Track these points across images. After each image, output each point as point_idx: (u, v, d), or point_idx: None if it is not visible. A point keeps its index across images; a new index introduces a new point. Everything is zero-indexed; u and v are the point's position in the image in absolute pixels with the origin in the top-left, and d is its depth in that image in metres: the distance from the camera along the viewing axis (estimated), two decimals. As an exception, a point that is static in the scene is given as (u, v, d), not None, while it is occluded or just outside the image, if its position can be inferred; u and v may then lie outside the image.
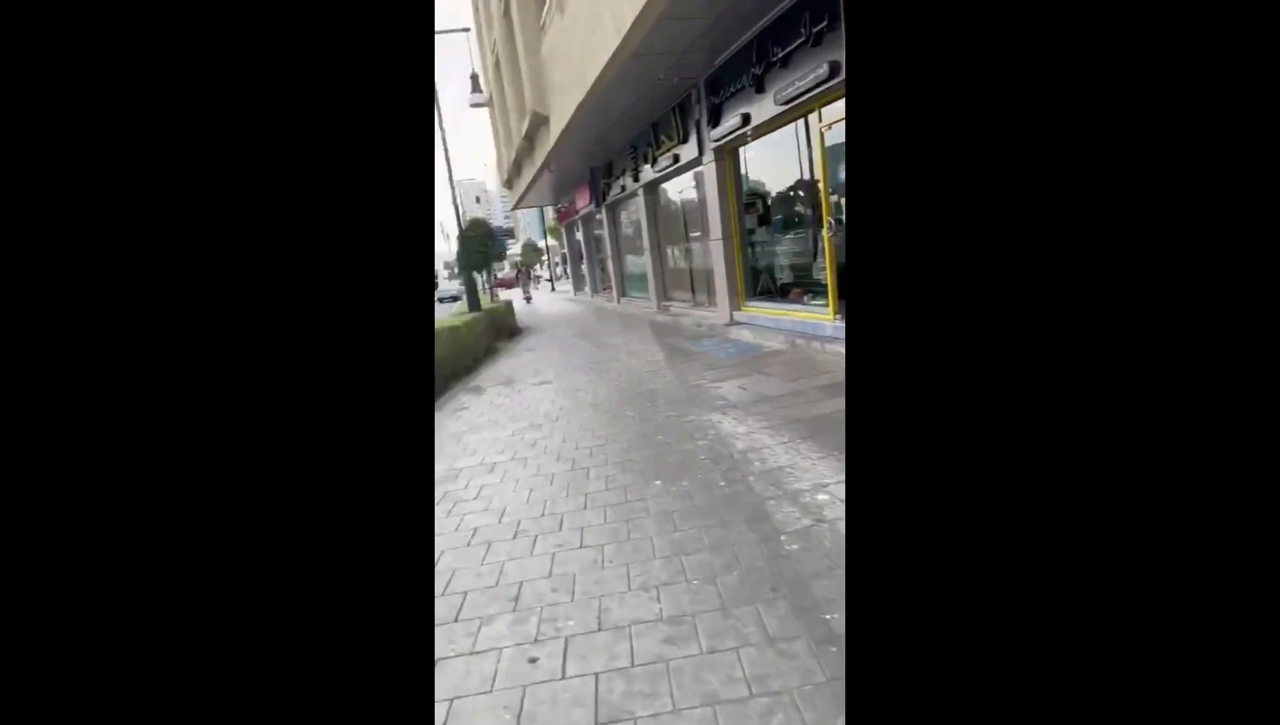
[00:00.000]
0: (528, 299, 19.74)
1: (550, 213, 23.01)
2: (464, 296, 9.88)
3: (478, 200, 29.75)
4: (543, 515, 2.65)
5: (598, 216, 14.45)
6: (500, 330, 10.28)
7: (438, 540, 2.53)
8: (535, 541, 2.40)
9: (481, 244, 11.34)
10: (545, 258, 32.84)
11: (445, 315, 9.54)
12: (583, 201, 14.33)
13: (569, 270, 19.96)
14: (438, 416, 5.00)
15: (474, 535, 2.53)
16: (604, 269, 15.18)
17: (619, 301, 13.25)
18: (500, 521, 2.64)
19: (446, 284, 26.38)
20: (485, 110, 15.90)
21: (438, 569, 2.27)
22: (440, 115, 10.20)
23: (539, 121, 10.01)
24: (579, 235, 16.95)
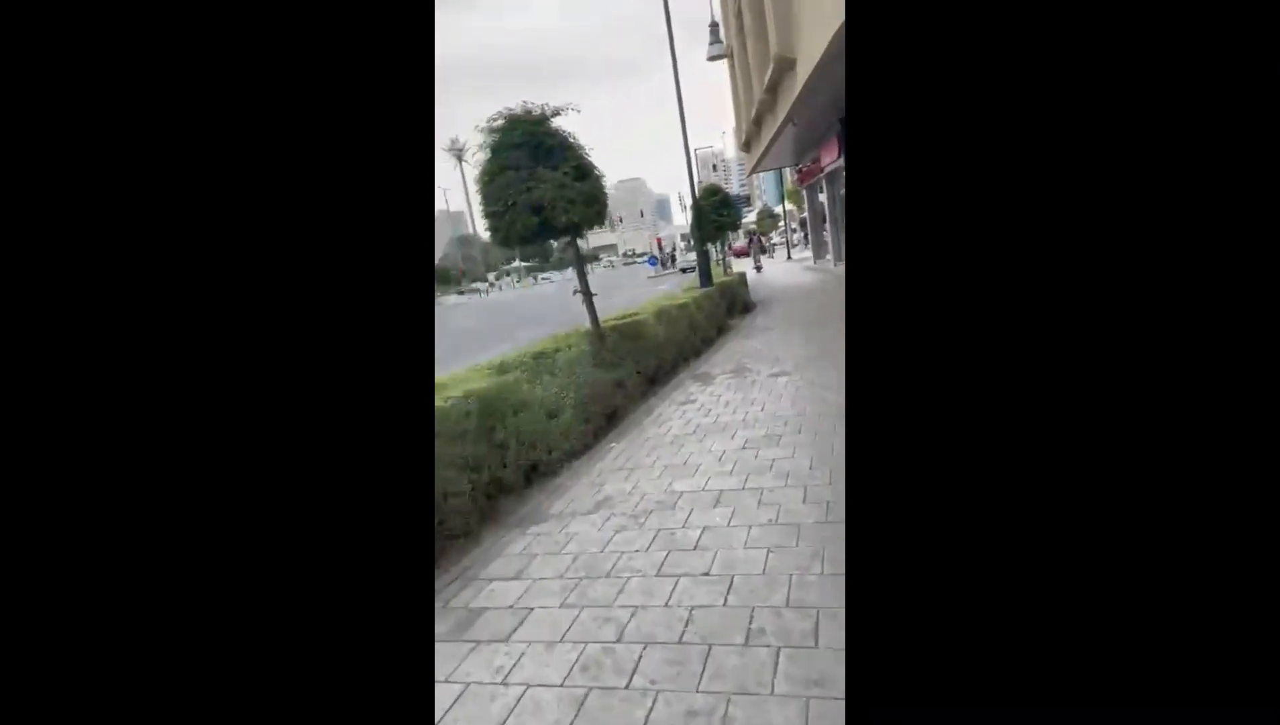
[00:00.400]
0: (758, 268, 19.37)
1: (789, 176, 21.34)
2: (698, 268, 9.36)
3: (715, 168, 28.88)
4: (787, 606, 1.81)
5: (841, 173, 12.66)
6: (733, 305, 9.57)
7: (646, 613, 1.88)
8: (778, 660, 1.58)
9: (716, 212, 10.67)
10: (783, 224, 31.08)
11: (676, 289, 9.18)
12: (829, 157, 12.66)
13: (809, 237, 18.26)
14: (663, 407, 4.48)
15: (688, 622, 1.81)
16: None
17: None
18: (725, 603, 1.88)
19: (685, 255, 26.76)
20: (725, 70, 15.06)
21: (637, 668, 1.61)
22: (677, 77, 9.66)
23: (784, 67, 8.82)
24: (822, 197, 15.22)
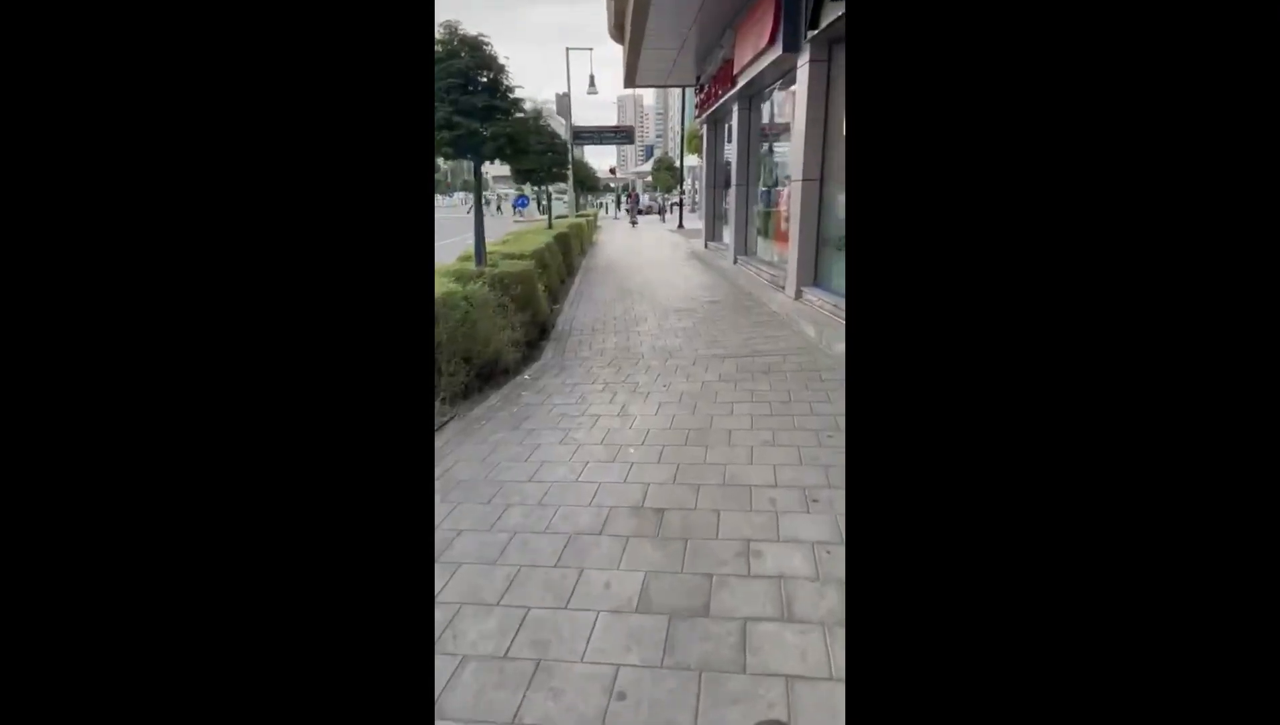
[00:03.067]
0: (633, 223, 20.20)
1: (693, 108, 14.80)
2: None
3: (591, 82, 20.63)
4: None
5: (776, 87, 6.48)
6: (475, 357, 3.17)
7: None
8: None
9: (454, 108, 4.02)
10: (681, 186, 24.77)
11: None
12: (749, 50, 6.36)
13: (704, 201, 12.07)
14: None
15: None
16: (773, 212, 7.25)
17: (798, 295, 5.46)
18: None
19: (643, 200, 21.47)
20: None
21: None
22: None
23: None
24: (731, 137, 8.95)
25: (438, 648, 1.50)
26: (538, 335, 4.91)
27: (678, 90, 17.74)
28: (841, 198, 4.95)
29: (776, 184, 6.96)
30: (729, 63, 7.54)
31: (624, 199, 24.37)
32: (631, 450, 2.66)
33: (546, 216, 11.25)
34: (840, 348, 3.95)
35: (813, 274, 5.41)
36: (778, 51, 5.43)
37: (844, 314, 4.52)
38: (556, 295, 6.88)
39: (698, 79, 10.36)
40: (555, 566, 1.82)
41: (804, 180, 5.16)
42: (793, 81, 5.52)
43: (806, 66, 5.00)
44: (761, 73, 6.31)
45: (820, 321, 4.59)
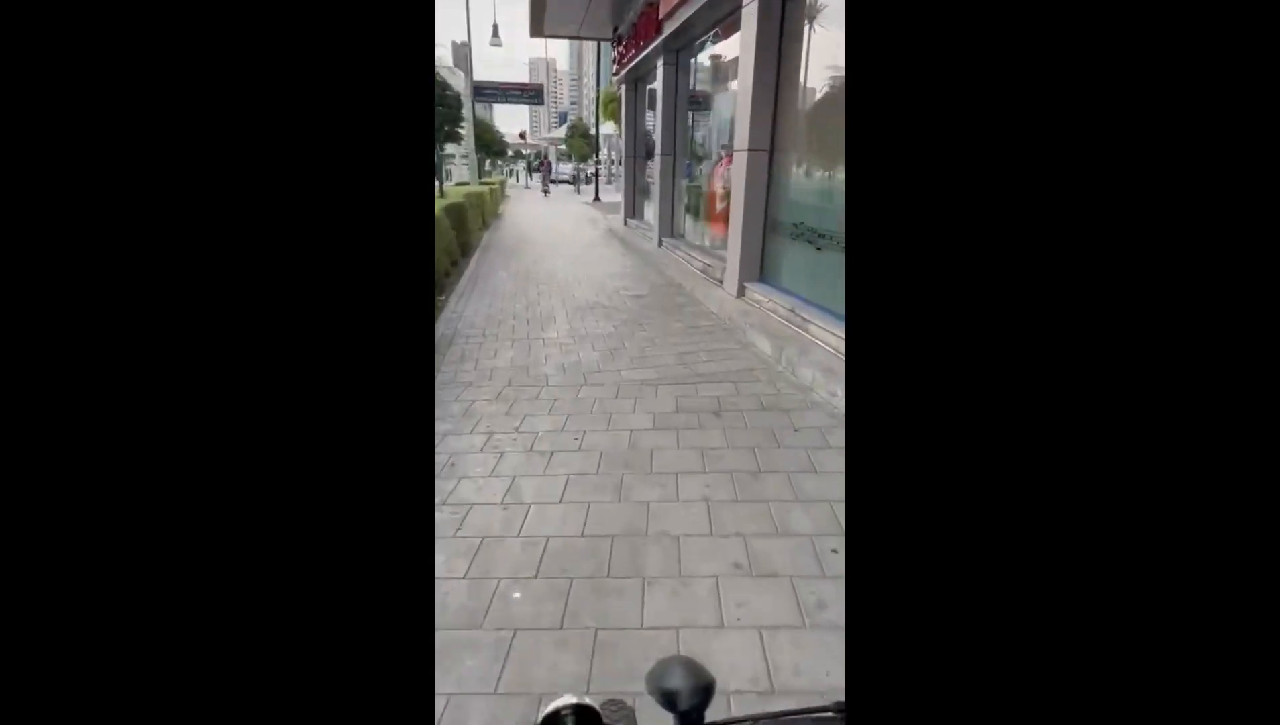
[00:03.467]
0: (545, 192, 20.28)
1: (611, 69, 13.39)
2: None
3: (495, 32, 17.98)
4: None
5: (711, 37, 5.43)
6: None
7: None
8: None
9: None
10: (597, 156, 23.22)
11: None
12: (682, -11, 5.23)
13: (623, 172, 10.87)
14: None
15: None
16: (707, 189, 6.25)
17: (741, 292, 4.52)
18: None
19: (561, 169, 21.75)
20: None
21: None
22: None
23: None
24: (655, 99, 7.82)
25: None
26: (405, 347, 3.65)
27: (595, 52, 16.22)
28: (795, 174, 4.01)
29: (712, 155, 5.95)
30: (653, 7, 6.37)
31: (538, 165, 22.84)
32: (516, 595, 1.58)
33: (438, 184, 9.68)
34: (808, 373, 3.03)
35: (758, 267, 4.47)
36: (717, -13, 4.36)
37: (802, 322, 3.62)
38: (443, 283, 5.56)
39: (615, 30, 9.06)
40: None
41: (750, 150, 4.17)
42: (735, 27, 4.47)
43: (754, 6, 3.97)
44: (694, 17, 5.22)
45: (774, 331, 3.66)
